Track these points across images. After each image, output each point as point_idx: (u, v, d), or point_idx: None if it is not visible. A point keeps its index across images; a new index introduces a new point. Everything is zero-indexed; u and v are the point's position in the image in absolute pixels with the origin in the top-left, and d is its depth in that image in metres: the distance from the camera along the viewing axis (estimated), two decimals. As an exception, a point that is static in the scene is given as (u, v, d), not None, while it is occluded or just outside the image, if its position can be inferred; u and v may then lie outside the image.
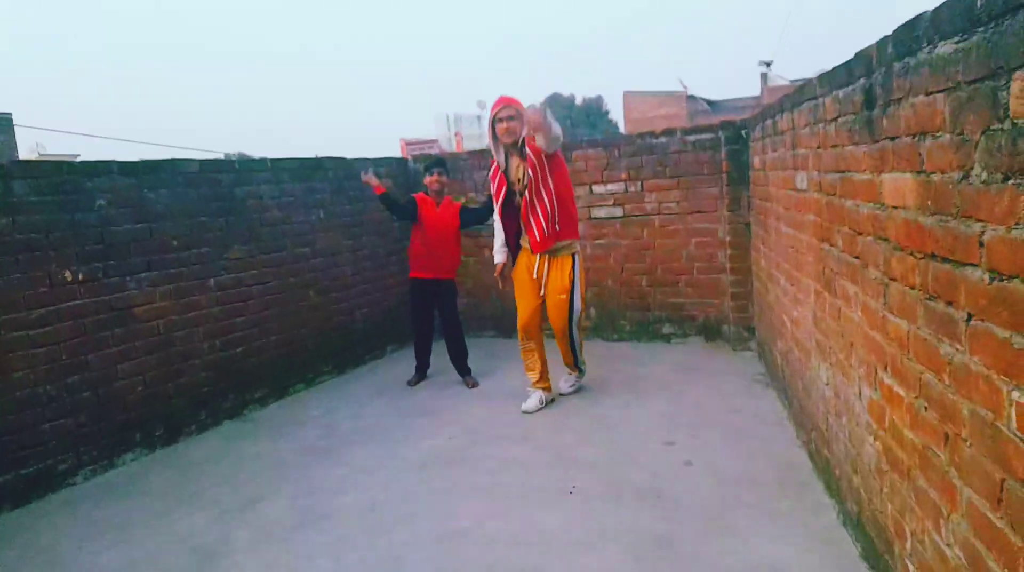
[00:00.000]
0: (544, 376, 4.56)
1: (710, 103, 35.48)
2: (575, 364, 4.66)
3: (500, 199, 4.39)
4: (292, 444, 4.19)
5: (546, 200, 4.21)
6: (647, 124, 32.86)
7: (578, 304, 4.41)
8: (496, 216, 4.50)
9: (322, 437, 4.27)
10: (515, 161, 4.30)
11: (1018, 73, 1.26)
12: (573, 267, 4.36)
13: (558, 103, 48.73)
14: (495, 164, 4.39)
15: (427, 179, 5.01)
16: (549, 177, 4.20)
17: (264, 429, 4.51)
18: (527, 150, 4.17)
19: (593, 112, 48.27)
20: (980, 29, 1.39)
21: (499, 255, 4.57)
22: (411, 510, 3.24)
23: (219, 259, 4.66)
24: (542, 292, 4.39)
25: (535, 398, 4.50)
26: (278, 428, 4.50)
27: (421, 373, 5.31)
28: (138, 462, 4.08)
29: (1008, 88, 1.30)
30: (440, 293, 5.11)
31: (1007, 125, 1.31)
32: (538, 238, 4.26)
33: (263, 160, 5.20)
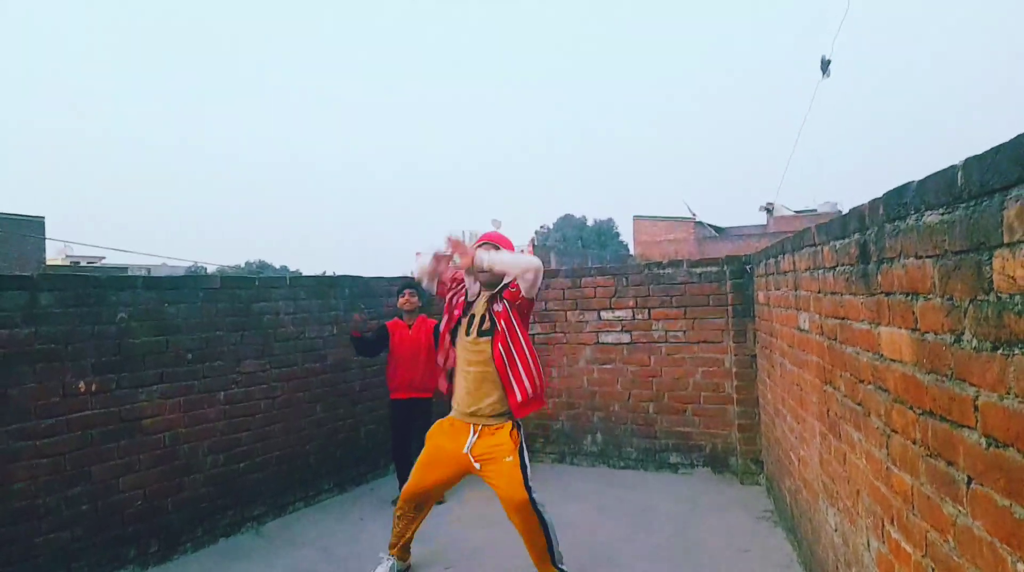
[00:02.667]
0: (406, 546, 3.92)
1: (717, 229, 36.36)
2: (552, 561, 3.54)
3: (449, 323, 3.71)
4: (287, 566, 4.08)
5: (526, 353, 3.58)
6: (656, 247, 33.61)
7: (528, 465, 3.54)
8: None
9: (317, 561, 4.16)
10: (482, 300, 3.66)
11: (998, 251, 1.35)
12: (515, 429, 3.57)
13: (570, 224, 49.99)
14: (463, 285, 3.76)
15: (399, 300, 5.21)
16: (518, 331, 3.59)
17: (260, 550, 4.39)
18: (503, 299, 3.60)
19: (604, 233, 49.44)
20: (962, 205, 1.50)
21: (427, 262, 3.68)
22: (405, 647, 3.11)
23: (231, 373, 4.72)
24: (476, 468, 3.52)
25: (385, 567, 3.84)
26: (274, 549, 4.39)
27: None
28: (128, 581, 3.96)
29: (991, 263, 1.38)
30: (417, 413, 5.11)
31: (992, 297, 1.38)
32: (519, 399, 3.51)
33: (282, 277, 5.36)
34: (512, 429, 3.53)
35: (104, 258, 35.50)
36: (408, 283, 5.34)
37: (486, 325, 3.55)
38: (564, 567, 3.57)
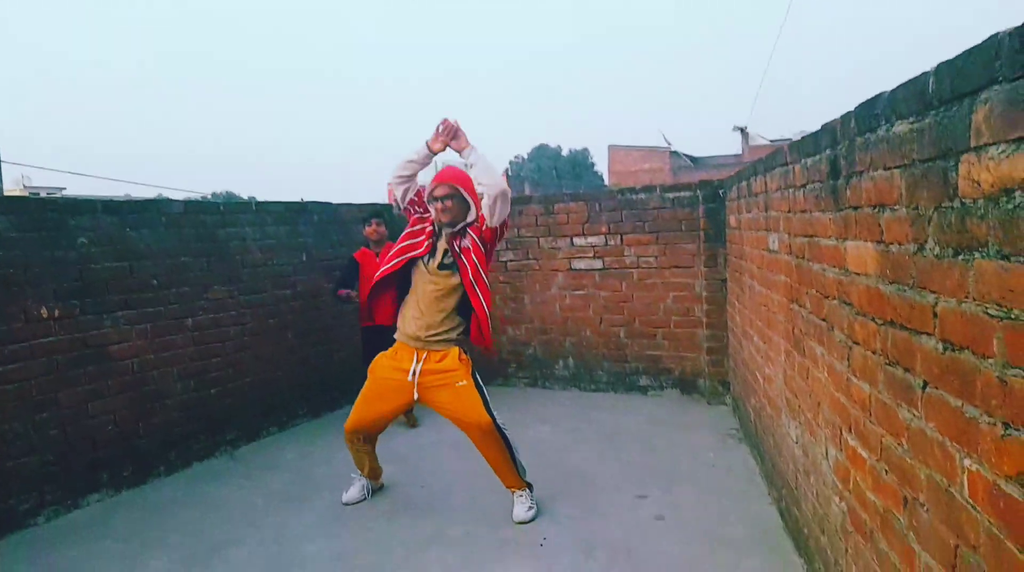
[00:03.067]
0: (375, 471, 3.98)
1: (692, 159, 36.25)
2: (518, 475, 3.61)
3: (394, 263, 3.55)
4: (262, 489, 4.14)
5: (488, 289, 3.54)
6: (631, 177, 33.47)
7: (483, 386, 3.58)
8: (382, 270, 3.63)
9: (293, 483, 4.22)
10: (442, 243, 3.53)
11: (965, 156, 1.34)
12: (463, 354, 3.57)
13: (545, 154, 49.44)
14: (424, 224, 3.60)
15: (366, 230, 5.18)
16: (480, 268, 3.47)
17: (235, 473, 4.44)
18: (469, 233, 3.50)
19: (579, 164, 49.03)
20: (932, 112, 1.48)
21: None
22: (380, 560, 3.20)
23: (198, 299, 4.66)
24: (415, 398, 3.54)
25: (358, 486, 3.92)
26: (249, 472, 4.44)
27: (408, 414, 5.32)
28: (103, 503, 3.99)
29: (957, 169, 1.38)
30: (388, 339, 5.12)
31: (956, 203, 1.38)
32: (480, 329, 3.50)
33: (248, 202, 5.24)
34: (460, 354, 3.52)
35: (65, 189, 34.54)
36: (375, 212, 5.27)
37: (448, 258, 3.48)
38: (528, 480, 3.67)
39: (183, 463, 4.53)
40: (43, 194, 32.54)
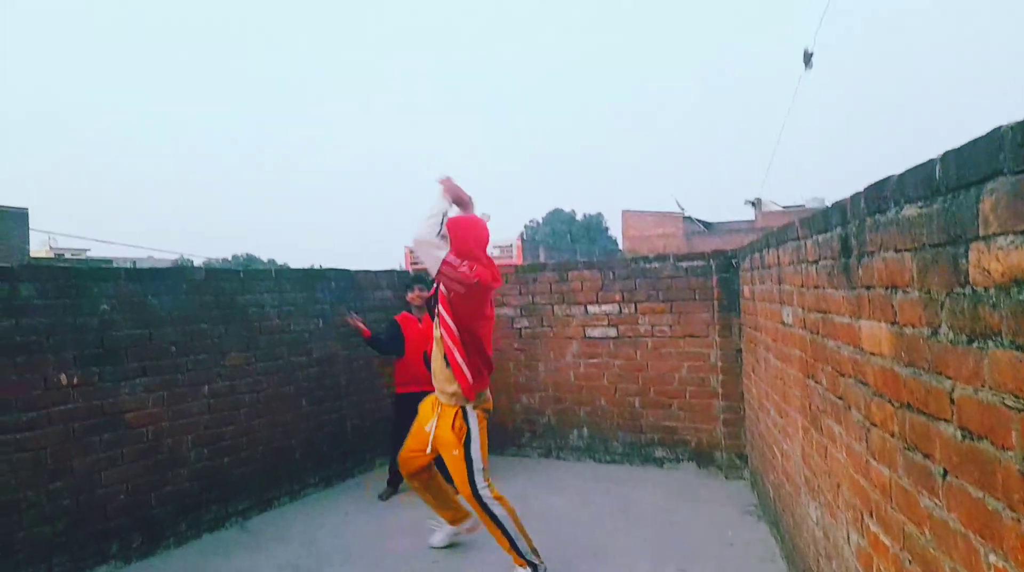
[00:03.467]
0: (454, 516, 4.13)
1: (706, 225, 36.49)
2: (514, 551, 3.60)
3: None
4: (271, 562, 4.07)
5: (456, 336, 3.58)
6: (645, 242, 33.69)
7: (477, 459, 3.60)
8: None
9: (302, 556, 4.15)
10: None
11: (974, 244, 1.35)
12: (461, 417, 3.65)
13: (559, 218, 50.03)
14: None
15: (409, 296, 5.35)
16: (445, 315, 3.58)
17: (244, 544, 4.38)
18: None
19: (593, 228, 49.50)
20: (940, 198, 1.50)
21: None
22: (389, 640, 3.11)
23: (215, 365, 4.69)
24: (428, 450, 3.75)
25: (439, 534, 4.17)
26: (259, 544, 4.38)
27: (393, 487, 5.27)
28: (111, 575, 3.94)
29: (967, 256, 1.39)
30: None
31: (968, 290, 1.39)
32: (464, 382, 3.58)
33: (267, 270, 5.33)
34: (456, 416, 3.62)
35: (89, 250, 35.22)
36: (417, 278, 5.44)
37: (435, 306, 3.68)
38: (534, 559, 3.58)
39: (194, 533, 4.47)
40: (67, 255, 33.25)
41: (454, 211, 3.69)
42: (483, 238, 3.67)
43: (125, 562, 4.06)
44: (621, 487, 5.25)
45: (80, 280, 3.98)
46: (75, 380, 3.87)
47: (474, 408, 3.63)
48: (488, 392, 3.79)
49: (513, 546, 3.56)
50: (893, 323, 1.83)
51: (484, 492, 3.53)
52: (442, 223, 3.50)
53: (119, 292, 4.15)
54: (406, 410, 5.07)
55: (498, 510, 3.54)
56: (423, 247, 3.47)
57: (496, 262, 3.78)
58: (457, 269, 3.43)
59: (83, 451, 3.89)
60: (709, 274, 5.60)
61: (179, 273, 4.67)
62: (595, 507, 4.81)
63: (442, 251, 3.45)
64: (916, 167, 1.65)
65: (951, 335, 1.48)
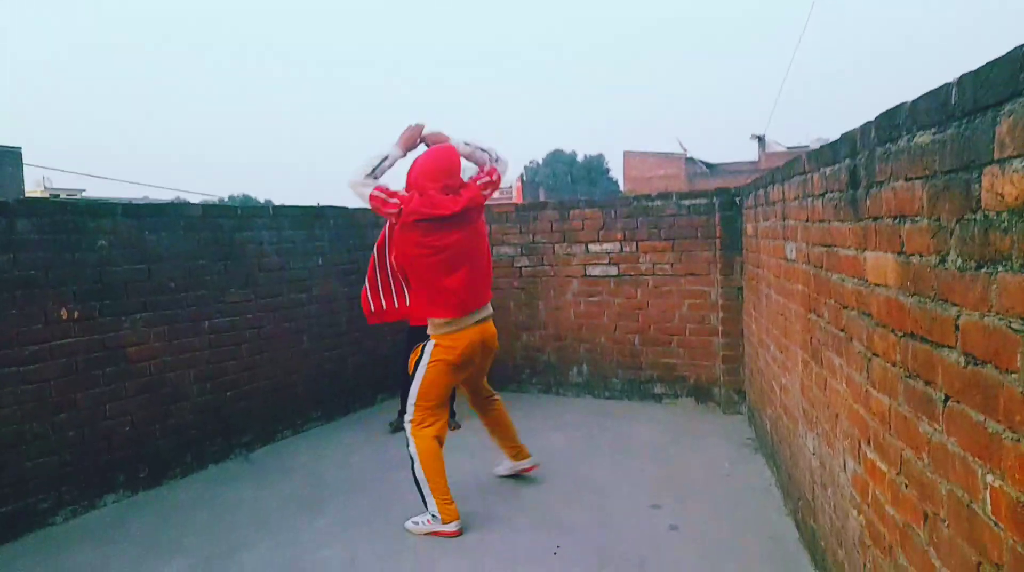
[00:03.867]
0: (513, 452, 4.24)
1: (708, 166, 36.11)
2: (417, 489, 3.58)
3: None
4: (276, 492, 4.15)
5: (387, 269, 4.03)
6: (646, 183, 33.40)
7: (414, 393, 3.61)
8: None
9: (307, 486, 4.23)
10: None
11: (988, 168, 1.32)
12: (421, 350, 3.66)
13: (560, 160, 49.48)
14: None
15: None
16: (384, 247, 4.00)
17: (249, 475, 4.47)
18: None
19: (594, 169, 49.01)
20: (954, 123, 1.46)
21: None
22: (392, 567, 3.20)
23: (215, 302, 4.70)
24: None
25: (505, 465, 4.25)
26: (263, 475, 4.46)
27: (401, 418, 5.30)
28: (119, 504, 4.02)
29: (980, 181, 1.36)
30: None
31: (979, 216, 1.36)
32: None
33: (265, 206, 5.28)
34: (422, 347, 3.65)
35: (85, 190, 34.92)
36: None
37: None
38: (436, 511, 3.49)
39: (198, 465, 4.56)
40: (63, 195, 32.98)
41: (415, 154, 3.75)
42: (433, 169, 3.54)
43: (132, 492, 4.14)
44: (620, 422, 5.32)
45: (77, 216, 3.94)
46: (75, 315, 3.88)
47: (434, 345, 3.56)
48: (456, 337, 3.56)
49: (417, 489, 3.55)
50: (899, 253, 1.81)
51: (407, 424, 3.59)
52: (379, 165, 3.58)
53: (116, 228, 4.11)
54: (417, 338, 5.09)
55: (411, 447, 3.54)
56: (352, 188, 3.58)
57: (497, 200, 3.75)
58: (384, 203, 3.50)
59: (86, 385, 3.93)
60: (712, 212, 5.56)
61: (176, 209, 4.63)
62: (594, 442, 4.89)
63: (367, 188, 3.53)
64: (930, 92, 1.60)
65: (959, 262, 1.46)
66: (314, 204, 5.85)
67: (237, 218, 4.92)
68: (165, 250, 4.38)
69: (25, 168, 23.69)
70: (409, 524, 3.58)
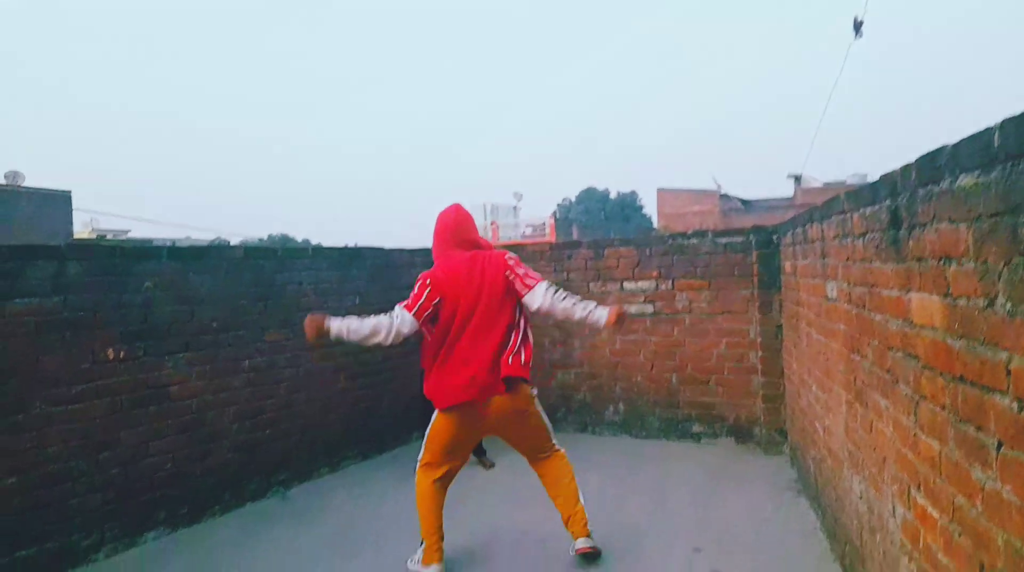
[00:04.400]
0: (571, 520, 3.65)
1: (743, 202, 35.86)
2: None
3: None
4: (311, 532, 4.15)
5: None
6: (680, 220, 33.29)
7: (423, 446, 3.62)
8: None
9: (341, 529, 4.23)
10: None
11: (1036, 211, 1.30)
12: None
13: (593, 197, 49.63)
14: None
15: None
16: None
17: (286, 515, 4.48)
18: None
19: (627, 206, 49.05)
20: (998, 166, 1.45)
21: None
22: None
23: (255, 342, 4.78)
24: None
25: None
26: (300, 514, 4.47)
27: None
28: (159, 541, 4.06)
29: (1027, 224, 1.34)
30: None
31: (1028, 259, 1.34)
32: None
33: (304, 249, 5.40)
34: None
35: (129, 231, 36.03)
36: None
37: None
38: (421, 551, 3.49)
39: (237, 503, 4.59)
40: (110, 236, 34.05)
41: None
42: (444, 229, 3.56)
43: (172, 528, 4.18)
44: (657, 464, 5.24)
45: (124, 259, 4.07)
46: (121, 355, 3.97)
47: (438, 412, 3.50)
48: (458, 399, 3.39)
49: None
50: (946, 295, 1.78)
51: (417, 465, 3.57)
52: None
53: (161, 270, 4.23)
54: None
55: (417, 488, 3.54)
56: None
57: (531, 239, 3.70)
58: (414, 301, 3.42)
59: (129, 423, 4.00)
60: (749, 250, 5.52)
61: (219, 251, 4.75)
62: (631, 484, 4.81)
63: (402, 320, 3.41)
64: (972, 136, 1.60)
65: (1009, 306, 1.44)
66: (351, 245, 5.95)
67: (277, 260, 5.03)
68: (207, 291, 4.48)
69: (74, 211, 24.51)
70: (409, 564, 3.57)
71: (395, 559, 3.73)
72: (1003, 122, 1.41)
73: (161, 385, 4.18)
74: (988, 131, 1.48)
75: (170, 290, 4.27)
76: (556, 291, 3.55)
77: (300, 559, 3.77)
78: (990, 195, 1.49)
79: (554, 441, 3.70)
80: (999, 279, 1.47)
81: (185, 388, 4.32)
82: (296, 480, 5.04)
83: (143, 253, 4.21)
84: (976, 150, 1.54)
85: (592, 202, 49.52)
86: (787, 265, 4.91)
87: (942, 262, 1.79)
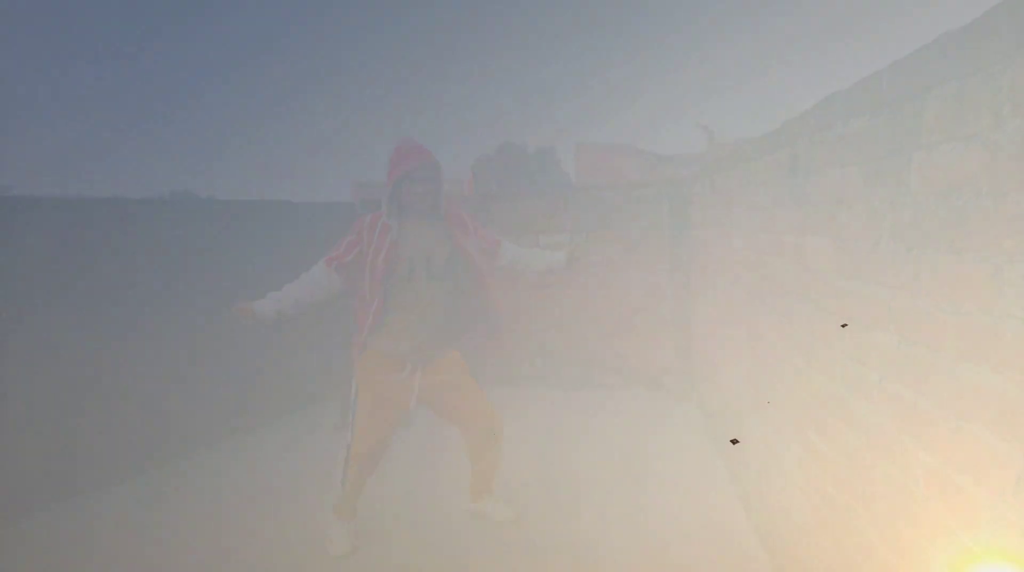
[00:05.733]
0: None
1: (660, 157, 36.46)
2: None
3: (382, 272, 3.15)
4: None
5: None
6: (598, 175, 33.59)
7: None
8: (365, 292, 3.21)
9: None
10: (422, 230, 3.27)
11: (917, 154, 1.36)
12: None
13: (511, 152, 49.47)
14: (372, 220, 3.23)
15: None
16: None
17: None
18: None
19: (546, 161, 49.12)
20: (886, 109, 1.50)
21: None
22: None
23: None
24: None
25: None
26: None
27: None
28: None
29: (910, 167, 1.39)
30: None
31: (910, 201, 1.40)
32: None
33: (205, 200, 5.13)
34: None
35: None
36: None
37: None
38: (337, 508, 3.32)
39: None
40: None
41: None
42: (397, 162, 3.18)
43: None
44: (572, 413, 5.35)
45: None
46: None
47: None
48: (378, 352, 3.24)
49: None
50: (836, 238, 1.85)
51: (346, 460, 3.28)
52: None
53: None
54: None
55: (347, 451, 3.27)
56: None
57: (449, 194, 3.43)
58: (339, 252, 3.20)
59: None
60: (661, 202, 5.62)
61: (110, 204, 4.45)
62: (548, 433, 4.90)
63: (326, 273, 3.20)
64: (864, 79, 1.65)
65: (892, 246, 1.50)
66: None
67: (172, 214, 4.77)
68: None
69: None
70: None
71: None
72: (891, 65, 1.45)
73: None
74: (878, 75, 1.53)
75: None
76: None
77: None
78: (878, 138, 1.54)
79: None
80: (884, 220, 1.53)
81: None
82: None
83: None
84: (867, 94, 1.59)
85: (511, 157, 49.37)
86: (697, 216, 5.03)
87: (834, 206, 1.86)
